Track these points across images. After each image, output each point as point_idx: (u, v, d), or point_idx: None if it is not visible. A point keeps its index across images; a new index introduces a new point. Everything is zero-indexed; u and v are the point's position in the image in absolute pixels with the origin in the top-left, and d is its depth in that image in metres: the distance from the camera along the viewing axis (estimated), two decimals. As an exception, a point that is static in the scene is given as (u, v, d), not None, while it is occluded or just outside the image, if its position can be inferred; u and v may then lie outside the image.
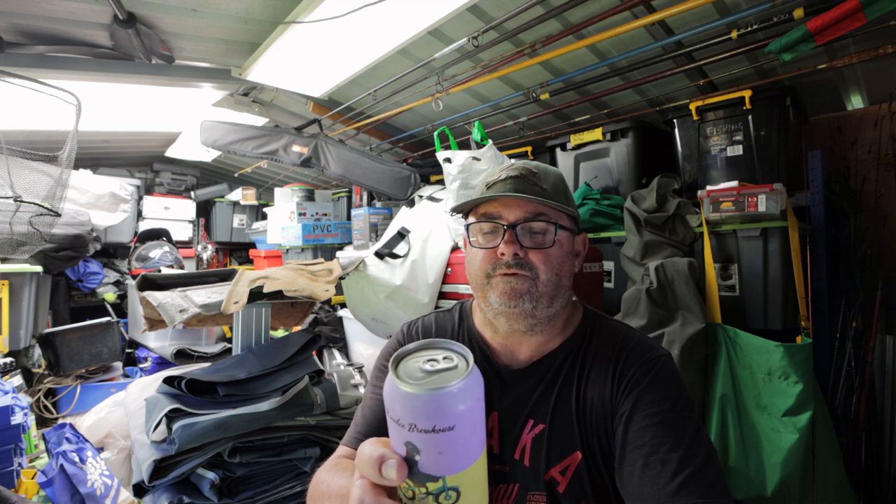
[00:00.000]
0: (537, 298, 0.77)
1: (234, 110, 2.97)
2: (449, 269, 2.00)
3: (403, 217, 2.39)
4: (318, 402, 1.58)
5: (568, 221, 0.83)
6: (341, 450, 0.84)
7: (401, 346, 0.92)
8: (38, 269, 3.03)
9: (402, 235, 2.17)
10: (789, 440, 1.48)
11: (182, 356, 2.70)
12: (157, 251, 4.16)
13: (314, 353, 1.76)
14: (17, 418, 1.98)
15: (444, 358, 0.45)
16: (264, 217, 4.11)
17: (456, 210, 0.87)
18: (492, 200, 0.80)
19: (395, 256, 2.10)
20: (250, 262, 4.76)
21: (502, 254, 0.77)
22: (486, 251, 0.80)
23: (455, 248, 2.00)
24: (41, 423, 2.71)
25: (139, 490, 1.37)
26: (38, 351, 3.09)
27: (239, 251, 5.54)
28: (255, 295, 1.65)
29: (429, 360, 0.45)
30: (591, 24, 1.69)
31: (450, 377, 0.42)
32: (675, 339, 1.63)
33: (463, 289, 1.95)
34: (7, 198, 2.19)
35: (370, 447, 0.44)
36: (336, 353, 2.88)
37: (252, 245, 4.83)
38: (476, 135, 1.97)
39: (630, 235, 1.93)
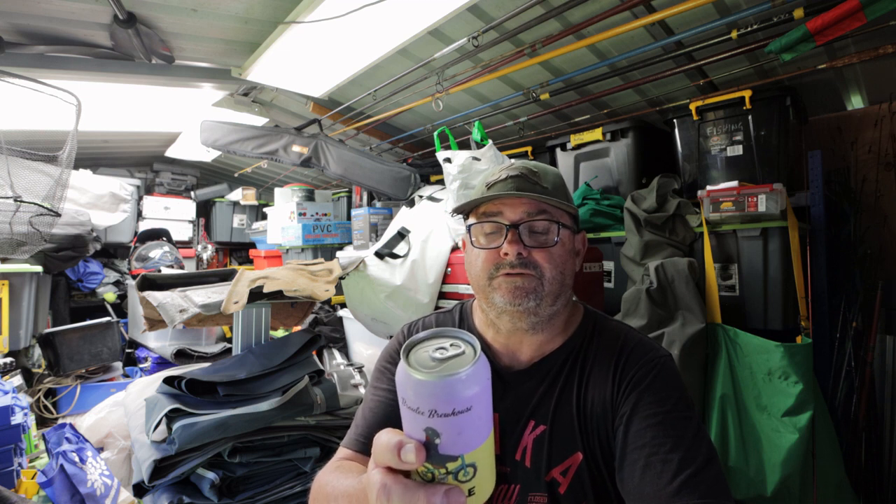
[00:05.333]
0: (542, 297, 0.77)
1: (234, 110, 2.97)
2: (449, 269, 2.00)
3: (403, 217, 2.39)
4: (318, 402, 1.58)
5: (569, 220, 0.82)
6: (342, 451, 0.84)
7: (401, 346, 0.93)
8: (38, 269, 3.02)
9: (402, 235, 2.17)
10: (789, 440, 1.48)
11: (182, 356, 2.70)
12: (157, 251, 4.16)
13: (314, 353, 1.77)
14: (17, 418, 1.98)
15: (452, 345, 0.47)
16: (264, 217, 4.11)
17: (457, 211, 0.86)
18: (492, 200, 0.80)
19: (395, 256, 2.10)
20: (250, 262, 4.76)
21: (505, 254, 0.77)
22: (488, 252, 0.79)
23: (455, 248, 2.00)
24: (41, 423, 2.71)
25: (139, 490, 1.37)
26: (38, 351, 3.09)
27: (239, 251, 5.54)
28: (255, 295, 1.65)
29: (438, 349, 0.47)
30: (591, 24, 1.69)
31: (461, 362, 0.44)
32: (675, 339, 1.63)
33: (463, 289, 1.95)
34: (7, 198, 2.19)
35: (387, 436, 0.45)
36: (336, 353, 2.88)
37: (252, 245, 4.83)
38: (476, 135, 1.97)
39: (630, 235, 1.93)
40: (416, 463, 0.42)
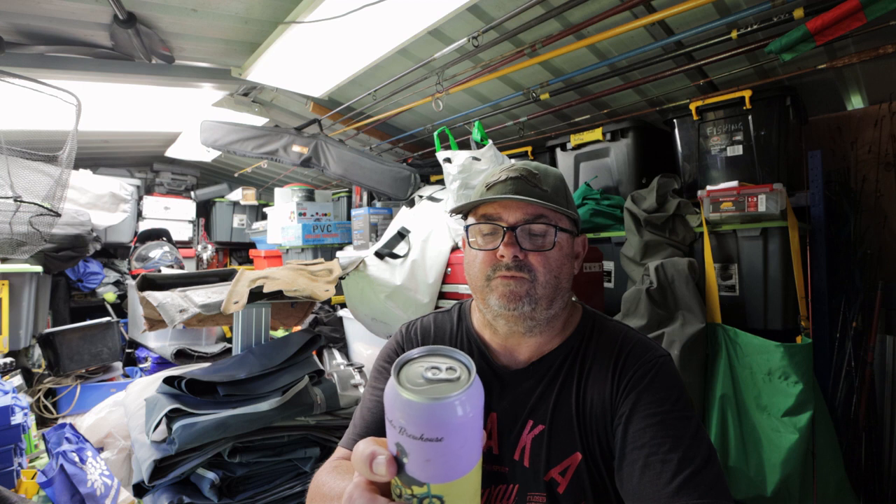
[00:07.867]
0: (536, 301, 0.77)
1: (234, 110, 2.97)
2: (449, 269, 1.99)
3: (403, 217, 2.39)
4: (318, 402, 1.58)
5: (568, 223, 0.82)
6: (339, 451, 0.84)
7: (399, 346, 0.93)
8: (38, 269, 3.03)
9: (402, 235, 2.17)
10: (789, 440, 1.48)
11: (182, 356, 2.70)
12: (157, 251, 4.16)
13: (314, 353, 1.77)
14: (17, 418, 1.98)
15: (448, 368, 0.45)
16: (264, 217, 4.11)
17: (455, 211, 0.86)
18: (491, 202, 0.80)
19: (395, 256, 2.10)
20: (250, 262, 4.76)
21: (502, 256, 0.77)
22: (485, 253, 0.79)
23: (455, 248, 2.00)
24: (41, 423, 2.71)
25: (139, 490, 1.37)
26: (38, 351, 3.09)
27: (239, 251, 5.54)
28: (255, 295, 1.65)
29: (431, 368, 0.44)
30: (591, 24, 1.69)
31: (448, 389, 0.41)
32: (675, 339, 1.63)
33: (463, 289, 1.95)
34: (7, 198, 2.19)
35: (364, 444, 0.45)
36: (336, 353, 2.88)
37: (252, 245, 4.83)
38: (476, 135, 1.97)
39: (630, 235, 1.93)
40: (385, 476, 0.42)
